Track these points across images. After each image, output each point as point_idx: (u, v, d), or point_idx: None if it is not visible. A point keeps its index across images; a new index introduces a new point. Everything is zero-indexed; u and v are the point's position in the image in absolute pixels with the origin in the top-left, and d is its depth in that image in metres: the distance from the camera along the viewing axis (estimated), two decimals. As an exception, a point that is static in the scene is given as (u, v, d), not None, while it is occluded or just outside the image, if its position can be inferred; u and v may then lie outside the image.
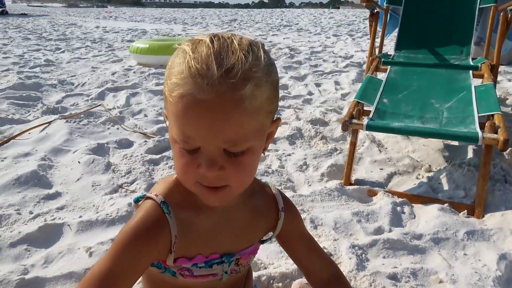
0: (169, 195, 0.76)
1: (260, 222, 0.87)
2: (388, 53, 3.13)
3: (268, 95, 0.65)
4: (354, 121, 1.94)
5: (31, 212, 1.69)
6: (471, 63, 2.67)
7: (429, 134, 1.86)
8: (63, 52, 6.75)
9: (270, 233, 0.91)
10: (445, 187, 2.01)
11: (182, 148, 0.66)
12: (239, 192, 0.72)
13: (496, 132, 1.73)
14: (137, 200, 0.80)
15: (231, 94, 0.60)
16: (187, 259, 0.78)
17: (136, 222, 0.72)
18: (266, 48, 0.69)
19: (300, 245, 0.95)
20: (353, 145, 2.03)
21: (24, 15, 19.02)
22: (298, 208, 1.73)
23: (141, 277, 0.87)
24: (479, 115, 1.93)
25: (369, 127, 1.92)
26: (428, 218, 1.71)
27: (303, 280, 1.19)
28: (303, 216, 1.67)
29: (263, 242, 0.90)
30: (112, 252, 0.70)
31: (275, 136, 2.70)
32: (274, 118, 0.73)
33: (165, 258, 0.77)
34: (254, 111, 0.63)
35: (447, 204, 1.80)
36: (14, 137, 2.56)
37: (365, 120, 1.94)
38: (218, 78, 0.59)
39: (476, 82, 2.36)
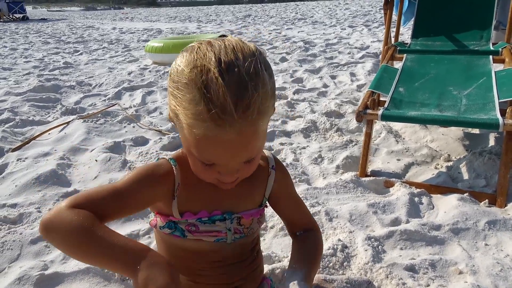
0: (177, 157, 0.88)
1: (255, 185, 0.93)
2: (404, 42, 3.05)
3: (271, 106, 0.72)
4: (369, 111, 1.90)
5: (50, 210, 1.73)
6: (491, 48, 2.57)
7: (447, 122, 1.80)
8: (81, 54, 6.89)
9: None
10: (465, 176, 1.95)
11: (200, 161, 0.75)
12: None
13: (518, 118, 1.66)
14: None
15: (250, 128, 0.68)
16: (193, 213, 0.87)
17: (147, 166, 0.85)
18: (263, 50, 0.75)
19: (288, 204, 1.01)
20: (368, 135, 2.00)
21: (44, 20, 19.49)
22: (313, 201, 1.73)
23: (157, 245, 0.98)
24: (500, 101, 1.86)
25: (385, 117, 1.88)
26: (447, 208, 1.66)
27: (320, 276, 1.18)
28: (318, 208, 1.66)
29: (261, 205, 0.95)
30: (123, 179, 0.82)
31: (290, 129, 2.69)
32: None
33: (169, 205, 0.85)
34: (265, 128, 0.73)
35: (467, 193, 1.74)
36: (34, 138, 2.63)
37: (380, 110, 1.90)
38: (237, 119, 0.65)
39: (497, 67, 2.27)
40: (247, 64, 0.67)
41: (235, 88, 0.65)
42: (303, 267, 0.90)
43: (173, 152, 0.92)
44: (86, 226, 0.69)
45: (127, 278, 1.32)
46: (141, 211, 0.90)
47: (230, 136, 0.66)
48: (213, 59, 0.66)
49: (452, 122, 1.78)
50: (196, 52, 0.69)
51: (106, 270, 1.33)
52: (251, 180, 0.87)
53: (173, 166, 0.85)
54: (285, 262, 1.33)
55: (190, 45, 0.73)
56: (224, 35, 0.77)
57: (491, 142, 2.27)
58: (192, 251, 0.90)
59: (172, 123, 0.79)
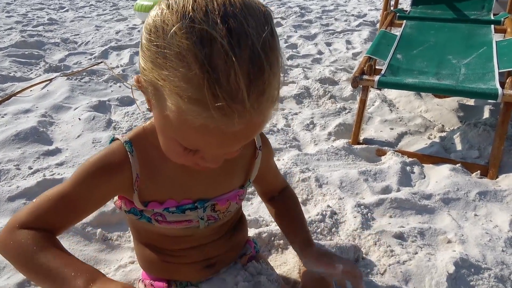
0: (136, 138, 0.75)
1: (237, 166, 0.83)
2: (404, 9, 2.95)
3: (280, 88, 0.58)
4: (365, 77, 1.84)
5: (30, 168, 1.66)
6: (492, 18, 2.49)
7: (445, 90, 1.74)
8: (66, 11, 6.57)
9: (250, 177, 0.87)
10: (458, 147, 1.92)
11: (181, 146, 0.61)
12: None
13: (517, 89, 1.61)
14: (110, 142, 0.78)
15: (258, 119, 0.55)
16: (159, 203, 0.77)
17: (97, 156, 0.73)
18: (271, 10, 0.57)
19: (268, 175, 0.95)
20: (363, 102, 1.94)
21: (28, -26, 18.56)
22: (303, 167, 1.69)
23: (129, 227, 0.91)
24: (500, 71, 1.80)
25: (381, 83, 1.81)
26: (439, 178, 1.64)
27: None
28: (308, 174, 1.62)
29: (242, 187, 0.87)
30: (70, 180, 0.72)
31: (282, 95, 2.61)
32: None
33: (130, 197, 0.76)
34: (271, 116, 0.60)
35: (459, 164, 1.72)
36: (15, 94, 2.51)
37: (377, 76, 1.83)
38: (248, 109, 0.51)
39: (498, 38, 2.20)
40: (261, 35, 0.51)
41: (249, 68, 0.49)
42: (303, 237, 0.93)
43: (131, 131, 0.78)
44: (33, 252, 0.65)
45: (108, 238, 1.27)
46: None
47: (236, 128, 0.52)
48: (219, 24, 0.48)
49: (450, 91, 1.73)
50: (191, 5, 0.50)
51: (86, 230, 1.28)
52: (231, 160, 0.70)
53: (128, 153, 0.72)
54: (272, 227, 1.30)
55: None
56: None
57: (486, 114, 2.23)
58: (162, 234, 0.83)
59: (139, 90, 0.62)
